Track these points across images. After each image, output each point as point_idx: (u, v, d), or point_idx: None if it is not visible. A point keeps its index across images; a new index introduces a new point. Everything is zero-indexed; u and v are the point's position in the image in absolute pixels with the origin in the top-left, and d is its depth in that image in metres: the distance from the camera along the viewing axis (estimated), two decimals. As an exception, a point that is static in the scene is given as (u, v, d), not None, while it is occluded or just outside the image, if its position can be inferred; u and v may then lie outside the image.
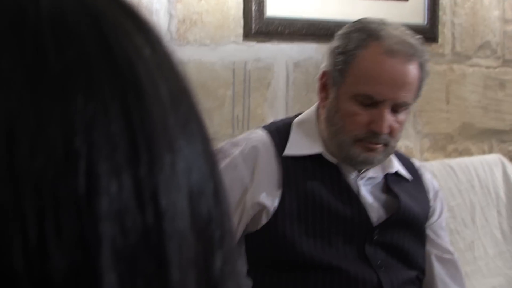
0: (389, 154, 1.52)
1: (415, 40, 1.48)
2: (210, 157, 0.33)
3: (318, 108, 1.56)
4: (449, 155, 2.99)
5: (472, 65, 2.98)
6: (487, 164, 2.75)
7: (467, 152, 3.01)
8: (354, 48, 1.46)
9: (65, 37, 0.28)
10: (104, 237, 0.27)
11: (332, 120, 1.49)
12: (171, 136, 0.30)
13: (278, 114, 2.31)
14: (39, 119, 0.27)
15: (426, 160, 2.81)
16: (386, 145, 1.48)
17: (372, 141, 1.46)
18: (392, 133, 1.47)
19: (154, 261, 0.29)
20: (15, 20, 0.28)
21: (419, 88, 1.50)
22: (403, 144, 2.80)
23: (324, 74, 1.53)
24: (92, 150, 0.28)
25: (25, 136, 0.27)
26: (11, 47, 0.27)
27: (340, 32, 1.51)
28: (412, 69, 1.46)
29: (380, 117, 1.44)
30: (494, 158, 2.81)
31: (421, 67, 1.49)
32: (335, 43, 1.52)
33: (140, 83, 0.29)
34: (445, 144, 3.00)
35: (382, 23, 1.49)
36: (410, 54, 1.46)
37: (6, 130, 0.27)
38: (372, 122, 1.45)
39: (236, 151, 1.50)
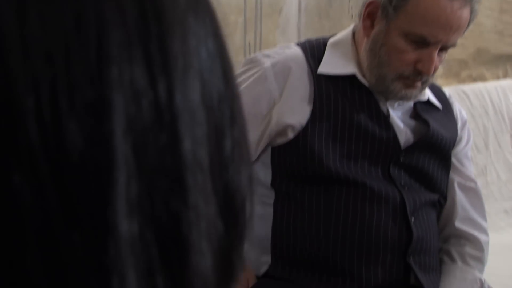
0: (425, 89, 1.52)
1: None
2: (219, 38, 0.33)
3: (354, 32, 1.55)
4: (462, 81, 2.97)
5: (487, -11, 2.93)
6: (501, 89, 2.74)
7: (481, 78, 2.98)
8: None
9: None
10: (116, 105, 0.28)
11: (377, 52, 1.47)
12: (181, 10, 0.30)
13: (290, 41, 2.29)
14: None
15: (440, 86, 2.79)
16: (425, 82, 1.49)
17: (414, 79, 1.46)
18: (434, 71, 1.48)
19: (166, 133, 0.29)
20: None
21: (466, 29, 1.50)
22: (416, 70, 2.78)
23: (372, 2, 1.50)
24: (102, 19, 0.28)
25: (35, 4, 0.27)
26: None
27: None
28: (466, 13, 1.44)
29: (429, 58, 1.43)
30: (509, 83, 2.79)
31: (472, 10, 1.47)
32: None
33: None
34: (459, 71, 2.98)
35: None
36: None
37: (16, 1, 0.27)
38: (419, 61, 1.44)
39: (268, 63, 1.50)
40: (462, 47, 2.93)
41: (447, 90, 2.63)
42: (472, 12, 1.47)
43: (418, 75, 1.45)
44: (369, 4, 1.50)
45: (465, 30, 1.50)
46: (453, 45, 1.47)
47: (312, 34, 2.25)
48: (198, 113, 0.31)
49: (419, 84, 1.47)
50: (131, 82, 0.28)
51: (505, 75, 3.01)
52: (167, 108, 0.29)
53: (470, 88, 2.72)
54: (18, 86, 0.26)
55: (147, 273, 0.28)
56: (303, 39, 2.24)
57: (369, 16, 1.50)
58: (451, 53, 2.88)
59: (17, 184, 0.27)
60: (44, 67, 0.27)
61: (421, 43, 1.44)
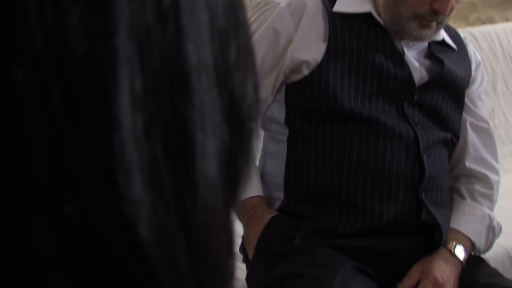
0: (440, 30, 1.51)
1: None
2: None
3: None
4: (471, 24, 2.93)
5: None
6: (510, 31, 2.70)
7: (490, 21, 2.95)
8: None
9: None
10: (121, 2, 0.28)
11: None
12: None
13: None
14: None
15: (455, 28, 2.76)
16: (439, 22, 1.47)
17: (429, 19, 1.45)
18: (450, 12, 1.46)
19: (169, 33, 0.29)
20: None
21: None
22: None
23: None
24: None
25: None
26: None
27: None
28: None
29: None
30: (518, 25, 2.75)
31: None
32: None
33: None
34: (468, 13, 2.94)
35: None
36: None
37: None
38: (435, 1, 1.42)
39: (283, 3, 1.50)
40: (471, -11, 2.89)
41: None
42: None
43: (434, 15, 1.44)
44: None
45: None
46: None
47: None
48: (202, 16, 0.30)
49: (434, 24, 1.46)
50: None
51: (514, 18, 2.97)
52: (171, 8, 0.29)
53: (479, 30, 2.69)
54: None
55: (152, 172, 0.28)
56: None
57: None
58: (459, -4, 2.85)
59: (20, 80, 0.26)
60: None
61: None
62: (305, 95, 1.46)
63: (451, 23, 2.95)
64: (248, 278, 1.50)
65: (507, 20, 2.95)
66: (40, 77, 0.26)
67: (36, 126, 0.26)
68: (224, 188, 0.32)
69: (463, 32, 2.72)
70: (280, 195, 1.50)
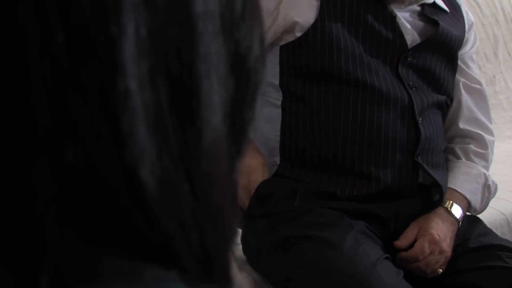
0: None
1: None
2: None
3: None
4: (474, -10, 2.91)
5: None
6: (513, -3, 2.68)
7: (492, -14, 2.92)
8: None
9: None
10: None
11: None
12: None
13: None
14: None
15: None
16: None
17: None
18: None
19: None
20: None
21: None
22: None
23: None
24: None
25: None
26: None
27: None
28: None
29: None
30: (521, -9, 2.73)
31: None
32: None
33: None
34: (470, -21, 2.91)
35: None
36: None
37: None
38: None
39: None
40: (474, -46, 2.86)
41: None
42: None
43: None
44: None
45: None
46: None
47: None
48: None
49: None
50: None
51: (517, -17, 2.94)
52: None
53: (481, -4, 2.67)
54: None
55: (157, 119, 0.28)
56: None
57: None
58: (462, -40, 2.82)
59: (23, 19, 0.26)
60: None
61: None
62: (300, 56, 1.45)
63: (453, -12, 2.93)
64: (245, 237, 1.49)
65: (510, -15, 2.92)
66: (43, 17, 0.26)
67: (38, 66, 0.26)
68: (229, 139, 0.32)
69: (465, -2, 2.71)
70: (276, 160, 1.50)
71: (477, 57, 2.61)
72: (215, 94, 0.30)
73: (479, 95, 1.63)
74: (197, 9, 0.29)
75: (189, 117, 0.29)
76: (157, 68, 0.28)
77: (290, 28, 1.46)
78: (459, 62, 1.60)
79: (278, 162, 1.49)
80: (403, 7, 1.50)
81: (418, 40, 1.51)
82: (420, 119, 1.47)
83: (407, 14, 1.52)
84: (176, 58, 0.29)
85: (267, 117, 1.50)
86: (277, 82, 1.48)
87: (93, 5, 0.27)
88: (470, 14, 1.68)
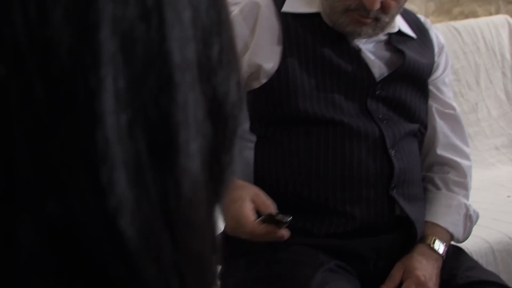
0: (380, 29, 1.48)
1: None
2: None
3: None
4: (454, 18, 2.94)
5: None
6: (493, 25, 2.71)
7: (473, 15, 2.96)
8: None
9: None
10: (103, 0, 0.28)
11: None
12: None
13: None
14: None
15: (431, 23, 2.76)
16: (377, 20, 1.45)
17: (362, 14, 1.43)
18: (385, 10, 1.43)
19: (153, 31, 0.29)
20: None
21: None
22: (408, 7, 2.75)
23: None
24: None
25: None
26: None
27: None
28: None
29: None
30: (501, 19, 2.76)
31: None
32: None
33: None
34: (451, 7, 2.95)
35: None
36: None
37: None
38: None
39: (236, 10, 1.48)
40: (454, -17, 2.90)
41: (439, 26, 2.62)
42: None
43: (364, 10, 1.42)
44: None
45: None
46: None
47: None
48: (185, 13, 0.31)
49: (368, 21, 1.43)
50: None
51: (497, 11, 2.98)
52: (154, 5, 0.29)
53: (462, 24, 2.70)
54: None
55: (136, 169, 0.28)
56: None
57: None
58: (443, -10, 2.85)
59: (3, 76, 0.26)
60: None
61: None
62: (267, 102, 1.44)
63: (435, 17, 2.96)
64: (224, 276, 1.46)
65: (490, 14, 2.96)
66: (23, 72, 0.26)
67: (18, 121, 0.26)
68: (208, 185, 0.32)
69: (446, 26, 2.73)
70: None
71: (459, 84, 2.63)
72: (193, 141, 0.30)
73: (453, 119, 1.63)
74: (174, 59, 0.30)
75: (168, 166, 0.29)
76: (136, 119, 0.28)
77: (256, 74, 1.46)
78: (431, 87, 1.60)
79: None
80: (364, 40, 1.50)
81: (386, 72, 1.50)
82: (393, 151, 1.46)
83: (371, 46, 1.51)
84: (154, 108, 0.29)
85: (241, 159, 1.49)
86: (247, 126, 1.48)
87: (72, 58, 0.27)
88: (440, 37, 1.67)
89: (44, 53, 0.27)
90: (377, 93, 1.47)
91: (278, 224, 1.30)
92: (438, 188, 1.58)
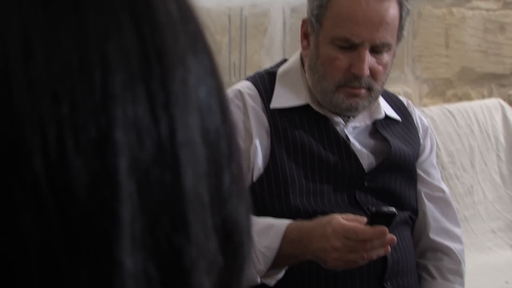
0: (375, 99, 1.50)
1: None
2: (215, 74, 0.33)
3: (302, 57, 1.54)
4: (448, 101, 2.97)
5: (472, 8, 2.94)
6: (486, 108, 2.74)
7: (466, 97, 2.99)
8: None
9: None
10: (121, 145, 0.28)
11: (314, 67, 1.47)
12: (181, 51, 0.31)
13: (275, 61, 2.27)
14: (53, 31, 0.28)
15: (425, 105, 2.79)
16: (369, 89, 1.46)
17: (354, 86, 1.44)
18: (375, 76, 1.45)
19: (169, 170, 0.30)
20: None
21: (399, 27, 1.47)
22: (401, 90, 2.77)
23: (304, 22, 1.51)
24: (106, 60, 0.29)
25: (41, 46, 0.28)
26: None
27: None
28: (389, 7, 1.42)
29: (360, 59, 1.41)
30: (494, 102, 2.79)
31: (400, 5, 1.45)
32: None
33: None
34: (444, 90, 2.98)
35: None
36: None
37: (22, 41, 0.28)
38: (352, 66, 1.43)
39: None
40: (447, 66, 2.94)
41: (433, 109, 2.64)
42: (401, 7, 1.46)
43: (356, 79, 1.43)
44: (302, 24, 1.51)
45: (401, 27, 1.47)
46: (385, 44, 1.45)
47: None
48: (198, 150, 0.31)
49: (362, 91, 1.45)
50: (135, 121, 0.29)
51: (490, 94, 3.01)
52: (169, 146, 0.30)
53: (456, 107, 2.72)
54: (25, 126, 0.27)
55: None
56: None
57: (305, 36, 1.51)
58: (436, 72, 2.89)
59: (23, 220, 0.27)
60: (51, 107, 0.27)
61: (349, 46, 1.43)
62: (256, 199, 1.44)
63: (429, 99, 2.99)
64: None
65: (483, 96, 2.99)
66: (44, 217, 0.27)
67: (38, 264, 0.26)
68: None
69: (440, 108, 2.75)
70: None
71: (454, 167, 2.63)
72: (205, 275, 0.30)
73: (443, 202, 1.62)
74: (188, 198, 0.30)
75: None
76: (151, 259, 0.28)
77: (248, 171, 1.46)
78: (419, 171, 1.59)
79: None
80: (352, 129, 1.50)
81: (374, 162, 1.50)
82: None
83: (359, 134, 1.52)
84: (168, 246, 0.29)
85: None
86: None
87: (90, 201, 0.27)
88: (423, 119, 1.68)
89: (63, 197, 0.27)
90: (366, 184, 1.48)
91: (387, 219, 1.25)
92: (433, 277, 1.57)
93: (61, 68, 0.28)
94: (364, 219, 1.30)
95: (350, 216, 1.33)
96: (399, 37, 1.49)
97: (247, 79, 1.57)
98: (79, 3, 0.29)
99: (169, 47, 0.30)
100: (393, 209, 1.27)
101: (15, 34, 0.27)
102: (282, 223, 1.38)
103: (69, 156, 0.27)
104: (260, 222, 1.36)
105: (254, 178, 1.44)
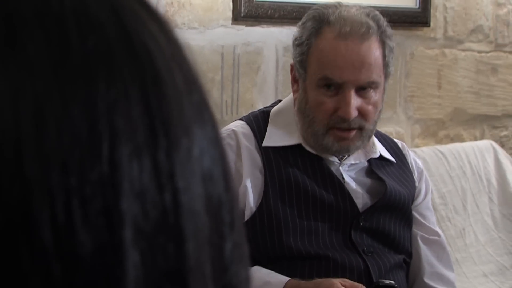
0: (368, 138, 1.50)
1: (371, 17, 1.45)
2: (219, 143, 0.34)
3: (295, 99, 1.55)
4: (440, 141, 2.96)
5: (464, 50, 2.95)
6: (478, 150, 2.73)
7: (458, 138, 2.98)
8: (308, 38, 1.46)
9: (87, 25, 0.30)
10: (127, 215, 0.29)
11: (304, 111, 1.48)
12: (187, 121, 0.32)
13: (267, 99, 2.27)
14: (64, 103, 0.28)
15: (417, 146, 2.78)
16: (361, 129, 1.46)
17: (343, 128, 1.44)
18: (365, 116, 1.45)
19: (173, 240, 0.30)
20: (40, 9, 0.30)
21: (384, 65, 1.47)
22: (394, 130, 2.77)
23: (292, 67, 1.53)
24: (114, 132, 0.29)
25: (52, 118, 0.28)
26: (37, 35, 0.29)
27: (299, 22, 1.50)
28: (370, 48, 1.43)
29: (345, 101, 1.42)
30: (486, 144, 2.78)
31: (382, 43, 1.46)
32: (294, 35, 1.52)
33: (158, 70, 0.31)
34: (437, 130, 2.98)
35: (336, 6, 1.47)
36: (363, 33, 1.43)
37: (35, 112, 0.28)
38: (339, 109, 1.43)
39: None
40: (439, 107, 2.94)
41: (425, 150, 2.63)
42: (384, 45, 1.46)
43: (344, 122, 1.44)
44: (291, 69, 1.53)
45: (386, 64, 1.47)
46: (371, 83, 1.45)
47: (289, 92, 2.23)
48: (201, 219, 0.32)
49: (352, 134, 1.45)
50: (140, 191, 0.29)
51: (482, 135, 3.01)
52: (173, 215, 0.30)
53: (448, 148, 2.72)
54: (35, 195, 0.27)
55: None
56: (280, 97, 2.23)
57: (294, 80, 1.52)
58: (428, 113, 2.89)
59: (30, 285, 0.27)
60: (60, 178, 0.28)
61: (334, 88, 1.44)
62: (250, 239, 1.42)
63: (420, 139, 2.99)
64: None
65: (475, 138, 2.99)
66: (51, 284, 0.27)
67: None
68: None
69: (432, 149, 2.75)
70: None
71: (446, 209, 2.62)
72: None
73: (438, 246, 1.62)
74: (190, 266, 0.30)
75: None
76: None
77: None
78: (414, 213, 1.59)
79: None
80: (346, 168, 1.49)
81: (368, 202, 1.50)
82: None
83: (353, 173, 1.51)
84: None
85: None
86: None
87: (95, 269, 0.28)
88: (418, 162, 1.68)
89: (69, 265, 0.27)
90: (361, 224, 1.47)
91: None
92: None
93: (71, 140, 0.28)
94: (362, 287, 1.30)
95: (348, 282, 1.31)
96: (386, 74, 1.49)
97: (241, 119, 1.57)
98: (90, 74, 0.29)
99: (175, 119, 0.31)
100: (393, 283, 1.27)
101: (28, 104, 0.28)
102: (279, 281, 1.37)
103: (76, 226, 0.28)
104: (256, 278, 1.34)
105: (246, 217, 1.43)
